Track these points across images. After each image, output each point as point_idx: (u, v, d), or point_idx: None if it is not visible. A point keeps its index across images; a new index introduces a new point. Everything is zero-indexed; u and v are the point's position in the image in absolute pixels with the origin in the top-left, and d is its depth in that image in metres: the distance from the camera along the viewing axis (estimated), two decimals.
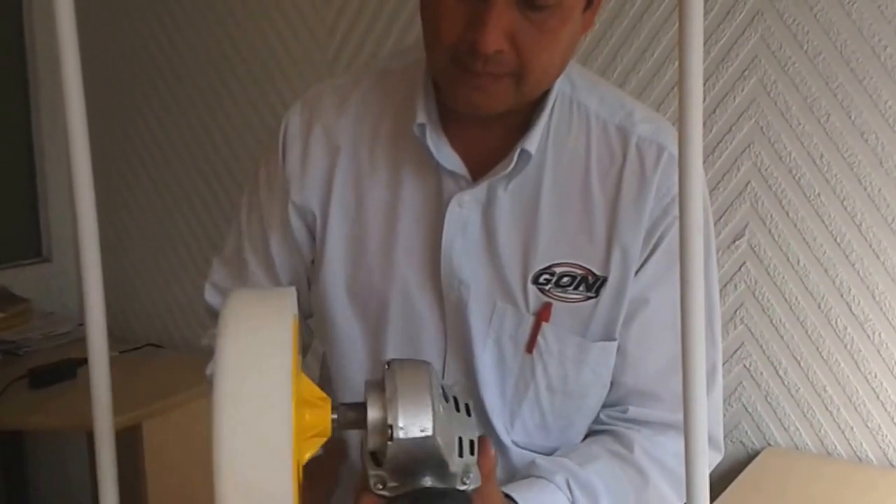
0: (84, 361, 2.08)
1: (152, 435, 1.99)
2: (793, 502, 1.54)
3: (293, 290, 0.74)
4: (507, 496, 0.82)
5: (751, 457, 1.73)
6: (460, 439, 0.71)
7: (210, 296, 1.06)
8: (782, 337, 1.70)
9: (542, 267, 0.90)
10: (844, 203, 1.61)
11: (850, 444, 1.68)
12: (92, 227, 0.91)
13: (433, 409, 0.67)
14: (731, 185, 1.70)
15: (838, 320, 1.65)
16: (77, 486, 2.65)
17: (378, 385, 0.68)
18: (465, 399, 0.74)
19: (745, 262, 1.71)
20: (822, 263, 1.65)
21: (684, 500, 0.79)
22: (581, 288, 0.90)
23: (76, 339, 2.35)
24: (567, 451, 0.92)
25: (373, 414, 0.67)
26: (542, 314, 0.91)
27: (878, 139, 1.57)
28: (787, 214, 1.66)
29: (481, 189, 0.90)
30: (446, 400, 0.71)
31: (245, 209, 1.02)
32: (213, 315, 1.05)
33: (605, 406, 0.96)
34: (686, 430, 0.75)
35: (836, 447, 1.69)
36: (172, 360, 2.38)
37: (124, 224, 2.56)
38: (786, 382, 1.71)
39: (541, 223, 0.90)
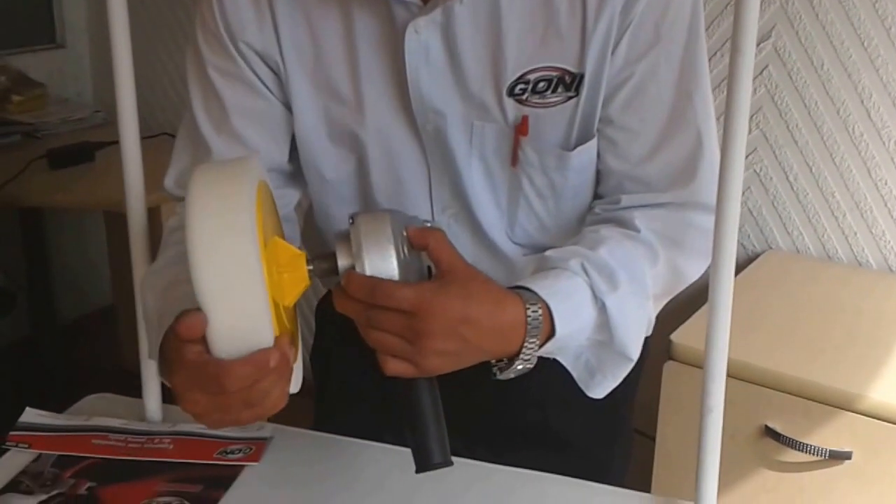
0: (102, 145, 2.13)
1: (169, 217, 2.03)
2: (791, 301, 1.59)
3: (254, 156, 0.78)
4: (521, 287, 0.82)
5: (750, 258, 1.77)
6: (429, 270, 0.79)
7: (172, 187, 1.03)
8: (797, 142, 1.70)
9: (515, 77, 0.88)
10: (876, 5, 1.56)
11: (851, 249, 1.71)
12: (123, 15, 0.92)
13: (397, 255, 0.74)
14: None
15: (856, 126, 1.64)
16: (95, 263, 2.74)
17: (345, 235, 0.76)
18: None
19: (767, 66, 1.68)
20: (846, 68, 1.62)
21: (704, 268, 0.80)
22: (560, 90, 0.88)
23: (93, 125, 2.39)
24: (574, 240, 0.93)
25: (342, 262, 0.75)
26: (521, 128, 0.89)
27: None
28: (817, 16, 1.62)
29: (436, 11, 0.86)
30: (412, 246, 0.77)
31: (196, 88, 0.95)
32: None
33: (596, 198, 0.96)
34: (717, 220, 0.76)
35: (837, 251, 1.72)
36: None
37: (137, 14, 2.50)
38: (794, 188, 1.73)
39: (505, 33, 0.87)
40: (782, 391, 1.36)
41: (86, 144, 2.15)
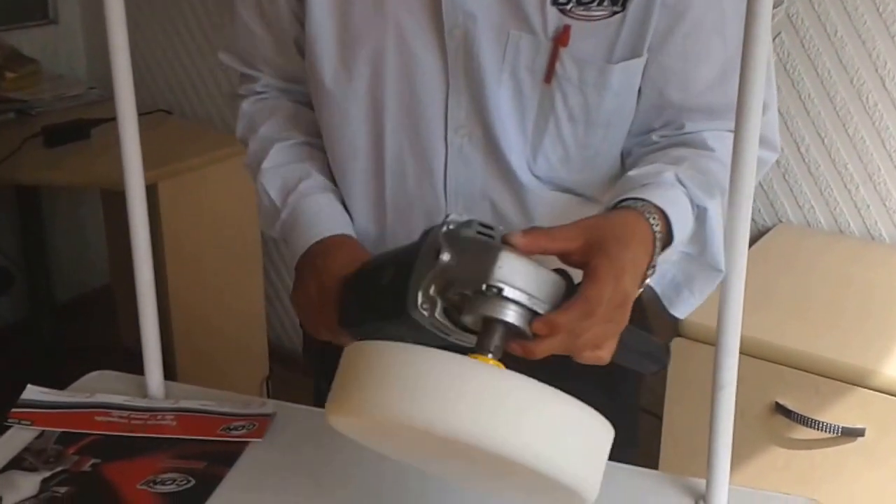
0: (98, 122, 2.10)
1: (167, 195, 2.01)
2: (802, 276, 1.57)
3: None
4: (631, 199, 0.80)
5: (761, 233, 1.74)
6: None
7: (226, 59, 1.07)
8: (808, 112, 1.67)
9: None
10: None
11: (864, 222, 1.68)
12: None
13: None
14: None
15: (869, 96, 1.61)
16: (92, 242, 2.72)
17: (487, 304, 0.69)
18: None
19: (779, 33, 1.65)
20: (860, 35, 1.58)
21: None
22: (605, 2, 0.84)
23: (87, 102, 2.36)
24: (647, 161, 0.88)
25: (515, 319, 0.69)
26: (561, 38, 0.85)
27: None
28: None
29: None
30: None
31: None
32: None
33: (655, 130, 0.92)
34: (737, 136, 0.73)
35: (849, 225, 1.70)
36: (182, 125, 2.41)
37: None
38: (806, 160, 1.70)
39: None
40: (793, 367, 1.34)
41: (81, 122, 2.12)
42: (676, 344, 1.42)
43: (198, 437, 0.91)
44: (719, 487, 0.85)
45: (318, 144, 1.01)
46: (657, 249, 0.77)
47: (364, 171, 0.96)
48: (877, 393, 1.28)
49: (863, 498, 1.34)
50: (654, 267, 0.78)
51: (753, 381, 1.34)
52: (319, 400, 1.11)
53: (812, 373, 1.33)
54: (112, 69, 0.91)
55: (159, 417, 0.94)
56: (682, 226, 0.81)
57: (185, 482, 0.84)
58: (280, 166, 0.98)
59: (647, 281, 0.77)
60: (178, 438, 0.90)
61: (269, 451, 0.90)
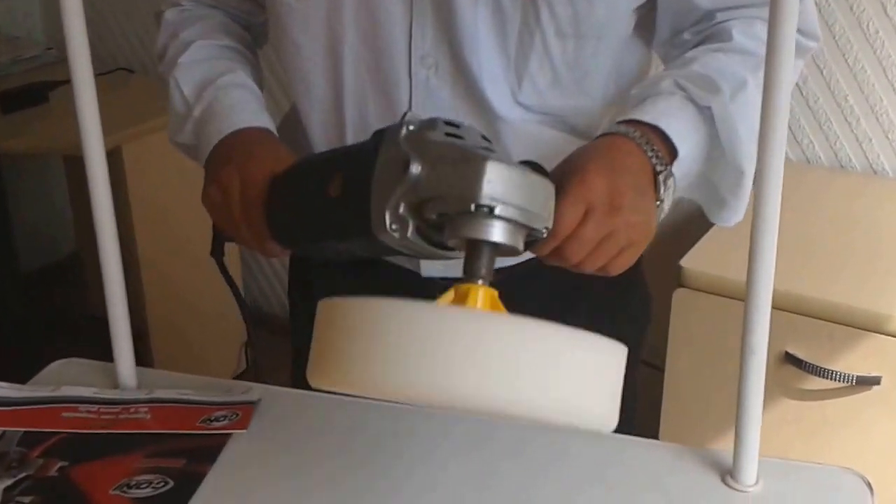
0: (56, 85, 2.00)
1: (132, 158, 1.93)
2: (803, 215, 1.50)
3: None
4: (622, 123, 0.74)
5: None
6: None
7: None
8: None
9: None
10: None
11: (865, 157, 1.61)
12: None
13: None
14: None
15: (870, 23, 1.52)
16: (58, 209, 2.62)
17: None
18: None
19: None
20: None
21: None
22: None
23: (45, 63, 2.29)
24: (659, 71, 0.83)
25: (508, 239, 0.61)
26: None
27: None
28: None
29: None
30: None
31: None
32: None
33: (686, 29, 0.85)
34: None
35: (850, 160, 1.63)
36: (144, 84, 2.30)
37: None
38: (804, 93, 1.62)
39: None
40: (803, 314, 1.28)
41: (39, 85, 2.05)
42: (678, 294, 1.35)
43: (175, 431, 0.83)
44: (748, 462, 0.78)
45: (249, 56, 0.92)
46: (657, 164, 0.73)
47: (322, 107, 0.87)
48: (894, 339, 1.22)
49: (878, 449, 1.29)
50: (666, 178, 0.73)
51: None
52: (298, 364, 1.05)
53: (823, 319, 1.26)
54: (64, 25, 0.81)
55: (132, 411, 0.85)
56: (686, 134, 0.76)
57: (162, 484, 0.77)
58: (200, 62, 0.89)
59: (666, 199, 0.73)
60: (153, 434, 0.82)
61: (255, 444, 0.82)
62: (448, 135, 0.61)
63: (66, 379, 0.91)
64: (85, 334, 0.97)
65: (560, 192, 0.66)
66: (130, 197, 1.93)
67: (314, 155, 0.80)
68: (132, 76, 2.29)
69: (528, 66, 0.81)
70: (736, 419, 0.78)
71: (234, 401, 0.86)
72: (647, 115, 0.75)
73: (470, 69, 0.81)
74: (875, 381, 1.24)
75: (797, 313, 1.28)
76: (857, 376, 1.25)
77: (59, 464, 0.79)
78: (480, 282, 0.59)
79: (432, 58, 0.82)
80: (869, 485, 0.80)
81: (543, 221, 0.62)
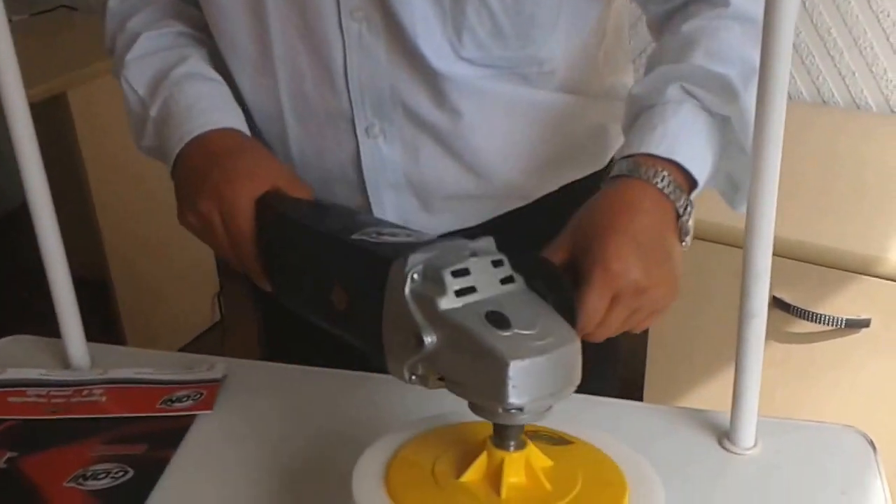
0: None
1: (80, 102, 1.82)
2: (786, 153, 1.43)
3: None
4: (631, 156, 0.68)
5: None
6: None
7: None
8: None
9: None
10: None
11: (849, 91, 1.57)
12: None
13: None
14: None
15: None
16: (6, 161, 2.50)
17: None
18: None
19: None
20: None
21: None
22: None
23: None
24: (654, 51, 0.76)
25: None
26: None
27: None
28: None
29: None
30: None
31: None
32: None
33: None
34: None
35: (833, 95, 1.58)
36: (89, 23, 2.14)
37: None
38: None
39: None
40: (789, 258, 1.24)
41: None
42: None
43: (134, 414, 0.77)
44: (746, 425, 0.74)
45: (203, 38, 0.83)
46: (678, 198, 0.67)
47: (252, 71, 0.79)
48: (884, 281, 1.18)
49: (865, 390, 1.26)
50: (688, 211, 0.68)
51: None
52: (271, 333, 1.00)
53: (810, 262, 1.22)
54: None
55: (85, 393, 0.79)
56: (703, 157, 0.70)
57: (121, 474, 0.71)
58: (150, 55, 0.80)
59: (689, 234, 0.69)
60: (109, 418, 0.76)
61: (221, 425, 0.76)
62: (459, 292, 0.54)
63: (11, 360, 0.84)
64: (44, 289, 0.88)
65: (584, 283, 0.61)
66: (80, 145, 1.82)
67: (302, 215, 0.70)
68: (75, 14, 2.15)
69: (466, 16, 0.74)
70: (734, 381, 0.74)
71: (197, 379, 0.80)
72: (660, 146, 0.68)
73: (402, 22, 0.73)
74: (864, 323, 1.21)
75: (783, 257, 1.23)
76: (847, 319, 1.21)
77: (7, 454, 0.73)
78: (511, 448, 0.56)
79: (362, 11, 0.74)
80: (871, 443, 0.76)
81: (573, 384, 0.56)
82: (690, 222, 0.69)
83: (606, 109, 0.84)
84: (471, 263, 0.55)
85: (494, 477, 0.55)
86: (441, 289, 0.53)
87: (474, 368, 0.52)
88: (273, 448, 0.73)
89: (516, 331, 0.52)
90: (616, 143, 0.86)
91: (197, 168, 0.72)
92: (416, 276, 0.54)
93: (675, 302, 0.67)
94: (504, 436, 0.55)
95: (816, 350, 1.27)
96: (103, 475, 0.70)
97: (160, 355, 0.84)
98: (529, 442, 0.56)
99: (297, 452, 0.73)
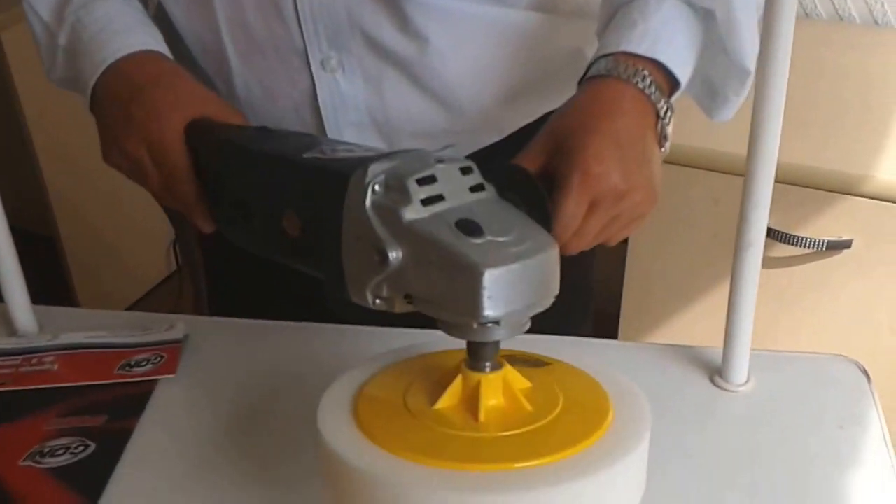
0: None
1: (14, 45, 1.72)
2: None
3: None
4: (611, 54, 0.63)
5: None
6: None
7: None
8: None
9: None
10: None
11: (832, 3, 1.51)
12: None
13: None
14: None
15: None
16: None
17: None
18: None
19: None
20: None
21: None
22: None
23: None
24: None
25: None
26: None
27: None
28: None
29: None
30: None
31: None
32: None
33: None
34: None
35: (815, 6, 1.52)
36: None
37: None
38: None
39: None
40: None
41: None
42: None
43: (90, 382, 0.71)
44: (738, 360, 0.71)
45: None
46: (658, 100, 0.62)
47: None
48: (867, 200, 1.15)
49: (846, 312, 1.24)
50: (670, 119, 0.63)
51: (723, 198, 1.20)
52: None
53: (789, 183, 1.18)
54: None
55: (35, 362, 0.73)
56: (685, 57, 0.65)
57: (81, 448, 0.66)
58: None
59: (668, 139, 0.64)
60: (64, 388, 0.71)
61: (186, 389, 0.71)
62: (425, 201, 0.48)
63: None
64: None
65: (560, 188, 0.56)
66: (18, 89, 1.73)
67: (245, 139, 0.63)
68: None
69: None
70: (727, 314, 0.71)
71: (156, 341, 0.75)
72: (641, 44, 0.63)
73: None
74: (846, 245, 1.18)
75: None
76: (828, 241, 1.18)
77: None
78: (487, 369, 0.51)
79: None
80: (865, 371, 0.73)
81: (552, 294, 0.51)
82: (670, 127, 0.65)
83: (581, 31, 0.79)
84: (437, 170, 0.49)
85: (471, 401, 0.50)
86: (405, 198, 0.48)
87: (445, 281, 0.47)
88: (243, 411, 0.69)
89: (489, 238, 0.47)
90: None
91: (117, 102, 0.65)
92: (377, 187, 0.49)
93: (651, 222, 0.64)
94: (479, 356, 0.51)
95: (796, 273, 1.24)
96: (62, 451, 0.65)
97: (115, 316, 0.79)
98: (506, 363, 0.51)
99: (269, 413, 0.69)
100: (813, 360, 0.75)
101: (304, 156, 0.54)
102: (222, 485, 0.62)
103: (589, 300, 0.97)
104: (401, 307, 0.50)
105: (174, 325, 0.76)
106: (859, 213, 1.17)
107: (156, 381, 0.72)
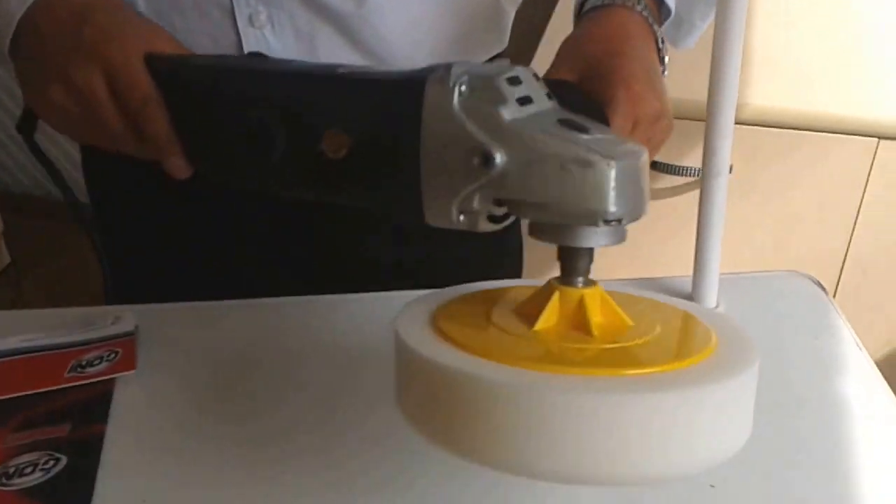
0: None
1: None
2: None
3: None
4: None
5: None
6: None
7: None
8: None
9: None
10: None
11: None
12: None
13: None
14: None
15: None
16: None
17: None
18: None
19: None
20: None
21: None
22: None
23: None
24: None
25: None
26: None
27: None
28: None
29: None
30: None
31: None
32: None
33: None
34: None
35: None
36: None
37: None
38: None
39: None
40: None
41: None
42: None
43: (40, 389, 0.63)
44: (709, 287, 0.73)
45: None
46: (656, 28, 0.65)
47: None
48: (741, 126, 1.21)
49: (729, 235, 1.31)
50: (665, 45, 0.66)
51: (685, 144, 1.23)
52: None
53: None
54: None
55: None
56: None
57: (51, 463, 0.58)
58: None
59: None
60: (11, 399, 0.62)
61: (151, 383, 0.64)
62: (520, 100, 0.45)
63: None
64: None
65: (607, 104, 0.58)
66: None
67: (249, 64, 0.57)
68: None
69: None
70: (696, 243, 0.72)
71: (106, 336, 0.67)
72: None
73: None
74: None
75: None
76: None
77: None
78: (582, 284, 0.47)
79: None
80: (820, 284, 0.77)
81: (649, 200, 0.48)
82: (665, 55, 0.67)
83: None
84: (519, 72, 0.47)
85: (575, 317, 0.46)
86: (500, 97, 0.45)
87: (560, 180, 0.44)
88: (215, 398, 0.63)
89: (597, 135, 0.45)
90: (511, 22, 0.80)
91: (62, 28, 0.57)
92: (463, 87, 0.45)
93: None
94: (576, 269, 0.47)
95: (680, 202, 1.29)
96: (30, 469, 0.57)
97: (48, 315, 0.70)
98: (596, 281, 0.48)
99: (245, 396, 0.64)
100: (771, 279, 0.78)
101: (340, 72, 0.50)
102: (218, 474, 0.57)
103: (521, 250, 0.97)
104: (483, 225, 0.46)
105: (121, 317, 0.69)
106: (736, 140, 1.23)
107: (114, 379, 0.64)
